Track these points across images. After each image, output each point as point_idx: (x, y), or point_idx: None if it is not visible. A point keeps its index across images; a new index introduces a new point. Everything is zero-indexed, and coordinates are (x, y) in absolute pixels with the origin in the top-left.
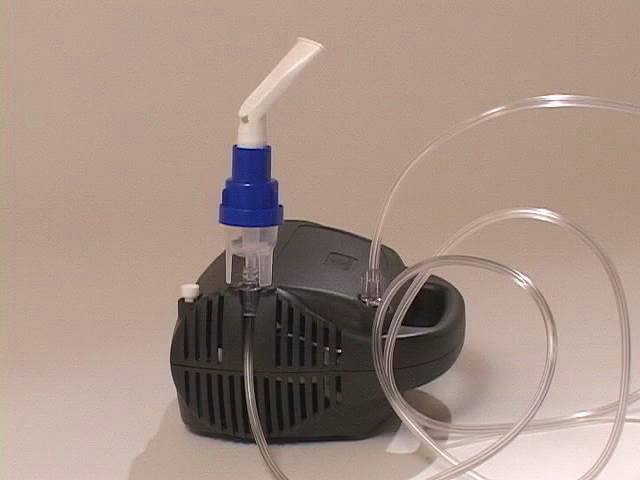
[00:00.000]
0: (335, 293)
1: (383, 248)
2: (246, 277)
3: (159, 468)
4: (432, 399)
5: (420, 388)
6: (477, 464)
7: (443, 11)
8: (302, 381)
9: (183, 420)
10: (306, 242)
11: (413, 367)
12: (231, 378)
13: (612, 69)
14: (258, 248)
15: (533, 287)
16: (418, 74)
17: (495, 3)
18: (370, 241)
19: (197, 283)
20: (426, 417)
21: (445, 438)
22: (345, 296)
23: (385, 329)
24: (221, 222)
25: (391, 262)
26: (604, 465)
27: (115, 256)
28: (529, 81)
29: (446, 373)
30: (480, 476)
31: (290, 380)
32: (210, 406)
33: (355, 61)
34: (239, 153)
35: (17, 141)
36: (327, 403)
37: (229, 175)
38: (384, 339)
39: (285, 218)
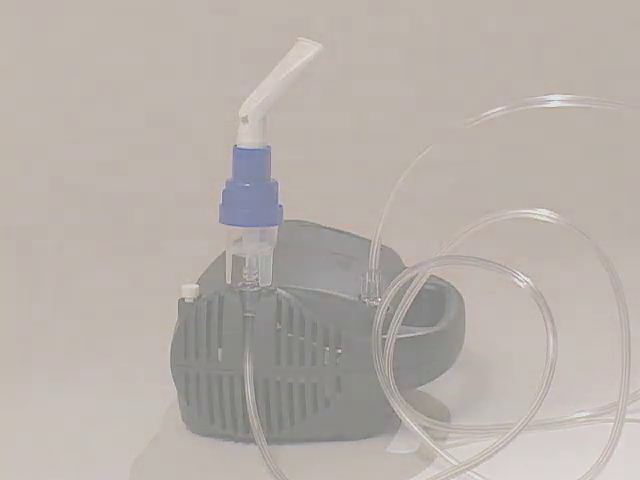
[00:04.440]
0: (335, 293)
1: (383, 248)
2: (246, 277)
3: (159, 468)
4: (432, 399)
5: (420, 388)
6: (477, 464)
7: (443, 11)
8: (302, 381)
9: (183, 420)
10: (306, 242)
11: (413, 367)
12: (231, 378)
13: (612, 69)
14: (258, 248)
15: (533, 287)
16: (418, 74)
17: (495, 3)
18: (370, 241)
19: (197, 283)
20: (426, 417)
21: (445, 438)
22: (345, 296)
23: (385, 329)
24: (221, 222)
25: (391, 262)
26: (604, 465)
27: (115, 256)
28: (529, 81)
29: (446, 373)
30: (480, 476)
31: (290, 380)
32: (210, 406)
33: (355, 61)
34: (239, 153)
35: (17, 141)
36: (327, 403)
37: (230, 175)
38: (384, 339)
39: (285, 218)
